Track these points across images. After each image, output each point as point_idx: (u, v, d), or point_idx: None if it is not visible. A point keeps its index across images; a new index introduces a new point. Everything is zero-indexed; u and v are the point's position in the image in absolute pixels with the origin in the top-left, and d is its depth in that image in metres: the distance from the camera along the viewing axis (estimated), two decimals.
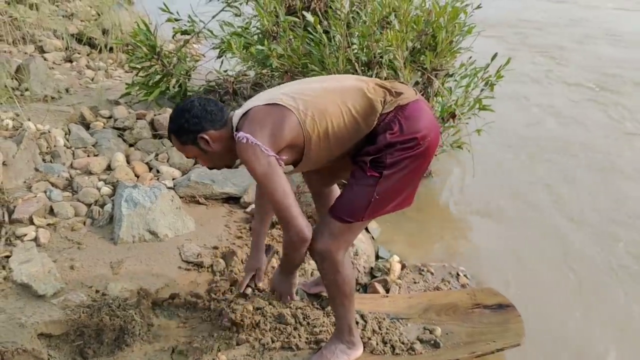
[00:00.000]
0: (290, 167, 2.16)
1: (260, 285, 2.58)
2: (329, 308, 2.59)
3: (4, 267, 2.62)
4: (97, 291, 2.59)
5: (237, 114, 2.07)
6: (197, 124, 2.02)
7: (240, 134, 1.94)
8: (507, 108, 5.51)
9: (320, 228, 2.11)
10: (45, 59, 5.64)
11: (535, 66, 7.14)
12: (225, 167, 2.24)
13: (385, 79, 3.71)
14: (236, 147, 1.98)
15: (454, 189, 4.28)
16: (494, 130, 4.26)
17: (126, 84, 4.83)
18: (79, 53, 6.15)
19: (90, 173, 3.49)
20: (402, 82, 2.20)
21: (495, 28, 8.17)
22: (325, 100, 2.01)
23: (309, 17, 3.75)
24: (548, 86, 6.54)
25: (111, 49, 6.22)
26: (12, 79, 4.65)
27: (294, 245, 2.06)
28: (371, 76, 3.75)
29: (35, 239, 2.86)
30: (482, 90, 4.00)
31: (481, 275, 3.23)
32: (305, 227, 2.00)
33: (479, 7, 3.83)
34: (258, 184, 2.12)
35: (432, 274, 3.16)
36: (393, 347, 2.41)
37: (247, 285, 2.58)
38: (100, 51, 6.20)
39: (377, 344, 2.43)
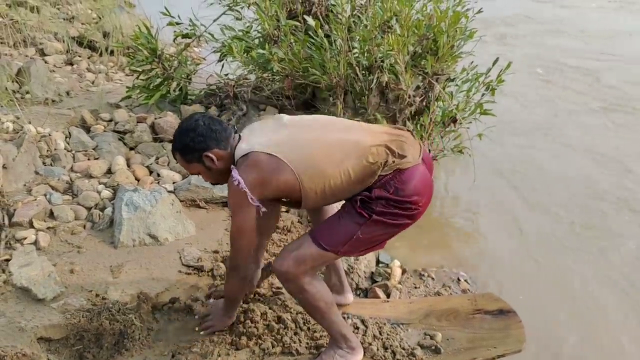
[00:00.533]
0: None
1: (249, 295, 2.64)
2: None
3: (3, 271, 2.60)
4: (97, 295, 2.58)
5: (240, 148, 2.07)
6: (202, 142, 2.07)
7: (235, 173, 2.00)
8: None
9: (290, 249, 2.13)
10: (46, 62, 5.64)
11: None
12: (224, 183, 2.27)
13: (386, 83, 3.71)
14: (228, 181, 2.05)
15: (456, 194, 4.27)
16: (495, 134, 4.25)
17: (127, 87, 4.82)
18: (79, 56, 6.14)
19: (90, 176, 3.48)
20: (411, 133, 2.19)
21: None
22: (325, 160, 2.03)
23: (310, 21, 3.76)
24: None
25: (112, 52, 6.22)
26: (12, 81, 4.65)
27: (230, 275, 2.28)
28: (372, 81, 3.76)
29: (35, 243, 2.85)
30: (483, 94, 4.00)
31: (482, 280, 3.22)
32: (246, 266, 2.25)
33: (480, 11, 3.84)
34: (231, 217, 2.18)
35: (432, 279, 3.15)
36: (394, 353, 2.41)
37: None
38: (101, 54, 6.20)
39: (377, 350, 2.42)
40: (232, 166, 2.05)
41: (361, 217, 2.06)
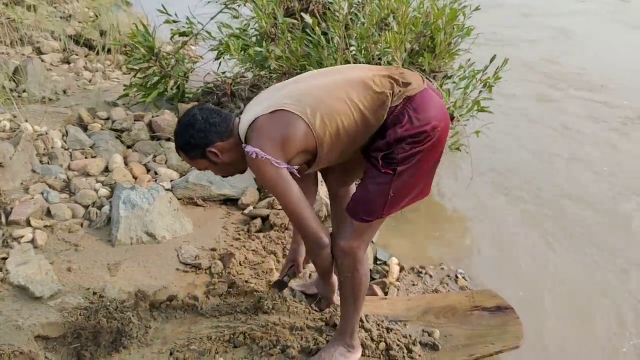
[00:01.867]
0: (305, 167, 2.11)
1: (299, 275, 2.68)
2: (327, 310, 2.59)
3: (0, 269, 2.60)
4: (94, 293, 2.58)
5: (243, 122, 1.99)
6: (204, 138, 2.00)
7: (249, 148, 1.89)
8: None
9: (343, 228, 2.09)
10: (42, 61, 5.64)
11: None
12: (239, 174, 2.20)
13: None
14: (248, 162, 1.95)
15: (453, 191, 4.27)
16: (493, 132, 4.25)
17: (124, 85, 4.82)
18: (76, 54, 6.14)
19: (87, 175, 3.48)
20: (409, 69, 2.12)
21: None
22: (331, 97, 1.92)
23: (308, 18, 3.76)
24: None
25: (109, 51, 6.21)
26: (9, 80, 4.64)
27: (313, 251, 2.08)
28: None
29: (32, 241, 2.85)
30: (480, 92, 4.00)
31: (480, 277, 3.22)
32: (322, 232, 2.01)
33: (477, 9, 3.84)
34: (274, 196, 2.05)
35: (430, 276, 3.15)
36: (391, 350, 2.40)
37: (286, 275, 2.64)
38: (97, 53, 6.19)
39: (375, 347, 2.42)
40: (244, 144, 1.94)
41: (387, 175, 1.95)
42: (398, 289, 3.00)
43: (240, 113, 4.36)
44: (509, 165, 4.70)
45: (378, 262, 3.23)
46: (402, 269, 3.18)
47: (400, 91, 1.93)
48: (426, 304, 2.77)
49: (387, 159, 1.95)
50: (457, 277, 3.16)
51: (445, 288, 3.06)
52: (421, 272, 3.17)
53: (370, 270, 3.13)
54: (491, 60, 3.80)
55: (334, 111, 1.91)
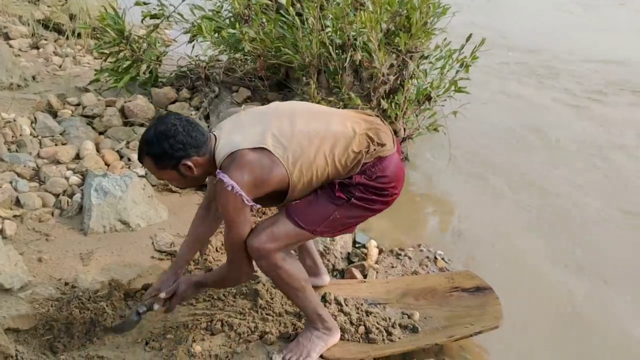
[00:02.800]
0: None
1: (156, 308, 2.25)
2: None
3: None
4: (66, 284, 2.51)
5: (222, 147, 1.97)
6: (182, 150, 1.95)
7: (226, 179, 1.87)
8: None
9: (263, 225, 2.06)
10: (10, 46, 5.48)
11: None
12: (195, 187, 2.17)
13: (360, 62, 3.66)
14: (218, 187, 1.91)
15: (431, 173, 4.26)
16: (470, 111, 4.23)
17: (95, 70, 4.70)
18: (45, 39, 5.97)
19: (58, 162, 3.38)
20: (382, 121, 2.21)
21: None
22: (314, 150, 1.99)
23: None
24: None
25: (79, 35, 6.05)
26: None
27: (236, 276, 2.17)
28: (345, 59, 3.70)
29: (1, 231, 2.76)
30: (457, 72, 3.97)
31: (459, 258, 3.22)
32: (251, 264, 2.12)
33: None
34: (225, 222, 2.04)
35: (409, 258, 3.13)
36: (371, 333, 2.39)
37: (143, 305, 2.28)
38: (67, 37, 6.03)
39: (355, 331, 2.40)
40: (219, 171, 1.93)
41: (339, 199, 2.06)
42: (377, 272, 2.97)
43: (216, 97, 4.32)
44: (489, 146, 4.70)
45: (357, 245, 3.20)
46: (381, 251, 3.16)
47: (374, 150, 2.06)
48: (405, 286, 2.75)
49: (344, 187, 2.07)
50: (436, 258, 3.15)
51: (424, 270, 3.05)
52: (400, 254, 3.15)
53: (349, 253, 3.12)
54: (467, 40, 3.77)
55: (313, 164, 1.99)
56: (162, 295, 2.25)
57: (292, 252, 2.22)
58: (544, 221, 3.63)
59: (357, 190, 2.06)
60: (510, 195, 3.94)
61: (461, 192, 3.99)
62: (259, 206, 2.05)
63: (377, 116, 2.23)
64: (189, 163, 1.98)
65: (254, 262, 2.11)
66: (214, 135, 2.05)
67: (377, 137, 2.09)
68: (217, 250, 2.89)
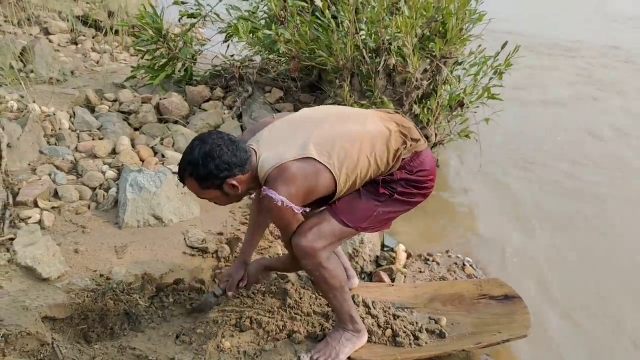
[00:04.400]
0: None
1: (230, 294, 2.44)
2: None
3: (8, 250, 2.59)
4: (101, 275, 2.57)
5: (267, 161, 1.97)
6: (227, 170, 1.96)
7: (275, 195, 1.90)
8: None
9: (309, 225, 2.08)
10: (50, 41, 5.62)
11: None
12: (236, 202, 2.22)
13: (394, 66, 3.67)
14: (266, 203, 1.93)
15: (461, 179, 4.25)
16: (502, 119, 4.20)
17: (132, 67, 4.79)
18: (84, 36, 6.11)
19: (95, 157, 3.46)
20: (409, 120, 2.32)
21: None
22: (356, 152, 2.03)
23: (318, 1, 3.71)
24: None
25: (117, 32, 6.17)
26: (17, 60, 4.62)
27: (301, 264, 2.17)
28: (379, 63, 3.71)
29: (40, 222, 2.84)
30: (491, 79, 3.95)
31: (488, 266, 3.20)
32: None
33: None
34: (279, 228, 2.12)
35: (438, 264, 3.13)
36: (398, 337, 2.40)
37: (213, 293, 2.49)
38: (106, 34, 6.16)
39: (382, 334, 2.42)
40: (265, 187, 1.94)
41: (383, 195, 2.14)
42: (405, 276, 2.98)
43: (249, 97, 4.36)
44: (521, 152, 4.66)
45: (385, 249, 3.21)
46: (409, 256, 3.17)
47: (411, 146, 2.14)
48: (433, 291, 2.76)
49: (387, 184, 2.16)
50: (464, 265, 3.14)
51: (452, 276, 3.05)
52: (429, 260, 3.15)
53: (378, 257, 3.13)
54: (503, 47, 3.75)
55: (357, 166, 2.05)
56: (236, 279, 2.41)
57: (335, 253, 2.24)
58: (581, 233, 3.58)
59: (400, 186, 2.15)
60: (545, 204, 3.90)
61: (492, 200, 3.97)
62: (308, 210, 2.06)
63: (398, 112, 2.30)
64: (234, 182, 1.98)
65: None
66: (254, 149, 2.05)
67: (409, 133, 2.17)
68: None
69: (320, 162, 1.97)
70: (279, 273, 2.79)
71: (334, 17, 3.86)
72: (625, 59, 7.86)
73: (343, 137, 2.04)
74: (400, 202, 2.17)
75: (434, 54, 3.73)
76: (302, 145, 1.98)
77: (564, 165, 4.52)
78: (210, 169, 1.95)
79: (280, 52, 4.08)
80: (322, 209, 2.18)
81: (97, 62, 5.45)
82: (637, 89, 6.49)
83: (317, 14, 3.95)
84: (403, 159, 2.12)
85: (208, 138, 1.99)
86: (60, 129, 3.64)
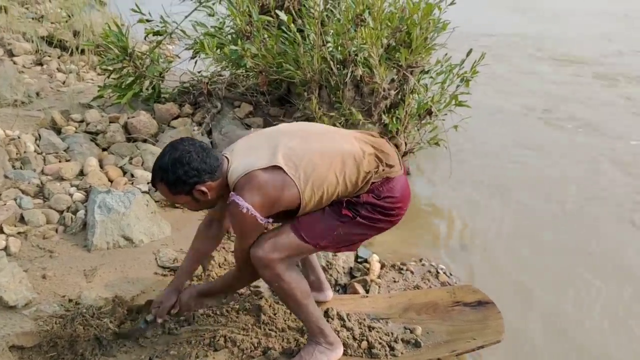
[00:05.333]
0: None
1: (159, 321, 2.39)
2: None
3: None
4: (70, 300, 2.52)
5: (236, 169, 2.01)
6: (196, 176, 1.99)
7: (241, 202, 1.92)
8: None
9: (268, 236, 2.10)
10: (14, 63, 5.53)
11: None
12: (210, 208, 2.24)
13: (361, 77, 3.69)
14: (231, 208, 1.96)
15: (432, 187, 4.28)
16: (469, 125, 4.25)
17: (98, 86, 4.74)
18: (49, 56, 6.03)
19: (62, 179, 3.41)
20: (388, 142, 2.28)
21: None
22: (325, 168, 2.03)
23: (282, 15, 3.71)
24: None
25: (83, 51, 6.10)
26: None
27: (246, 280, 2.29)
28: (347, 75, 3.73)
29: (6, 248, 2.78)
30: (457, 86, 4.00)
31: (461, 272, 3.22)
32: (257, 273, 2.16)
33: (452, 3, 3.82)
34: (237, 236, 2.11)
35: (411, 272, 3.14)
36: (374, 348, 2.39)
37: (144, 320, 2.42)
38: (71, 54, 6.08)
39: (357, 346, 2.41)
40: (232, 193, 1.97)
41: (345, 216, 2.11)
42: (379, 287, 2.98)
43: (218, 112, 4.35)
44: (489, 159, 4.71)
45: (359, 260, 3.20)
46: (383, 266, 3.17)
47: (383, 171, 2.12)
48: (407, 300, 2.76)
49: (351, 205, 2.12)
50: (438, 272, 3.15)
51: (426, 284, 3.06)
52: (402, 269, 3.15)
53: (351, 268, 3.12)
54: (467, 54, 3.80)
55: (324, 182, 2.03)
56: (166, 306, 2.34)
57: (296, 265, 2.24)
58: (551, 236, 3.62)
59: (364, 210, 2.11)
60: (515, 209, 3.94)
61: (463, 206, 3.99)
62: (272, 221, 2.08)
63: (382, 137, 2.27)
64: (203, 188, 2.01)
65: None
66: (226, 157, 2.09)
67: (385, 158, 2.15)
68: (220, 266, 2.90)
69: (286, 174, 1.97)
70: (251, 288, 2.77)
71: (301, 30, 3.87)
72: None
73: (314, 151, 2.05)
74: (363, 225, 2.13)
75: (400, 63, 3.77)
76: (271, 155, 2.00)
77: (540, 169, 4.57)
78: (178, 174, 1.98)
79: (248, 67, 4.07)
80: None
81: (63, 82, 5.38)
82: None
83: (283, 27, 3.96)
84: (372, 183, 2.10)
85: (179, 144, 2.03)
86: (25, 152, 3.58)
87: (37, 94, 4.83)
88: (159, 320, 2.38)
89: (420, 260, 3.28)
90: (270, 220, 2.06)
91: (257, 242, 2.07)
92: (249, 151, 2.06)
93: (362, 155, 2.09)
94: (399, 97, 3.95)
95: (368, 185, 2.10)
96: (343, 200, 2.11)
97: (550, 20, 10.74)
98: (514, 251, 3.45)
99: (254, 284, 2.77)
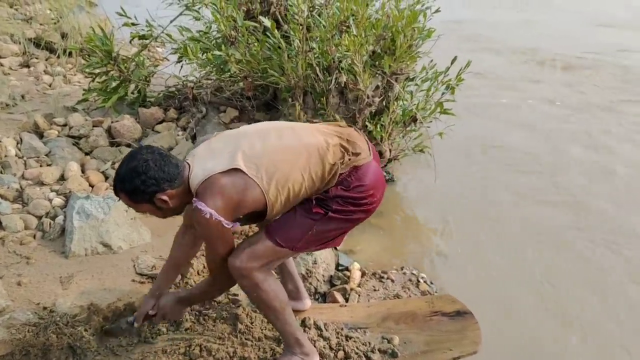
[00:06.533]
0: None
1: (136, 325, 2.40)
2: None
3: None
4: (44, 308, 2.50)
5: (196, 175, 1.97)
6: (155, 185, 1.95)
7: (204, 207, 1.88)
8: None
9: (243, 245, 2.08)
10: (1, 65, 5.50)
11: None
12: (176, 215, 2.20)
13: (345, 84, 3.68)
14: (195, 215, 1.92)
15: (417, 194, 4.27)
16: (455, 134, 4.25)
17: (83, 90, 4.71)
18: (36, 58, 6.00)
19: (42, 184, 3.38)
20: (357, 131, 2.23)
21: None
22: (288, 165, 1.99)
23: (266, 22, 3.71)
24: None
25: (70, 54, 6.07)
26: None
27: (221, 287, 2.24)
28: (331, 81, 3.72)
29: None
30: (443, 93, 4.00)
31: (442, 281, 3.21)
32: (232, 280, 2.14)
33: (437, 11, 3.83)
34: (205, 244, 2.10)
35: (392, 281, 3.13)
36: (350, 358, 2.38)
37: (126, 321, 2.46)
38: (59, 56, 6.05)
39: (334, 356, 2.40)
40: (195, 199, 1.92)
41: (316, 214, 2.07)
42: (359, 295, 2.97)
43: (203, 117, 4.33)
44: (473, 169, 4.71)
45: (340, 268, 3.19)
46: (363, 274, 3.16)
47: (349, 160, 2.07)
48: (386, 310, 2.75)
49: (321, 202, 2.08)
50: (419, 281, 3.14)
51: (406, 293, 3.04)
52: (383, 277, 3.14)
53: (332, 276, 3.11)
54: (452, 62, 3.80)
55: (288, 179, 1.99)
56: (143, 311, 2.34)
57: (274, 273, 2.22)
58: (533, 245, 3.61)
59: (335, 203, 2.06)
60: (497, 218, 3.94)
61: (446, 215, 3.97)
62: (239, 225, 2.07)
63: (350, 126, 2.23)
64: (164, 197, 1.98)
65: None
66: (188, 163, 2.05)
67: (351, 147, 2.09)
68: (198, 274, 2.88)
69: (247, 175, 1.94)
70: (229, 296, 2.75)
71: (286, 36, 3.86)
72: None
73: (275, 150, 2.01)
74: (337, 219, 2.08)
75: (384, 70, 3.76)
76: (230, 158, 1.96)
77: (524, 180, 4.57)
78: (135, 184, 1.95)
79: (232, 72, 4.05)
80: (258, 225, 2.17)
81: (50, 85, 5.35)
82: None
83: (268, 33, 3.95)
84: (340, 174, 2.05)
85: (137, 153, 2.00)
86: (6, 156, 3.55)
87: (23, 96, 4.81)
88: (136, 325, 2.38)
89: (402, 269, 3.27)
90: (238, 224, 2.04)
91: (234, 252, 2.05)
92: (209, 155, 2.02)
93: (325, 148, 2.05)
94: (384, 104, 3.95)
95: (336, 177, 2.04)
96: (312, 198, 2.07)
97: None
98: (497, 261, 3.44)
99: (232, 291, 2.76)
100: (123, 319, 2.49)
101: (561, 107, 6.20)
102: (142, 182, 1.94)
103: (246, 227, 3.17)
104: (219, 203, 1.89)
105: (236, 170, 1.94)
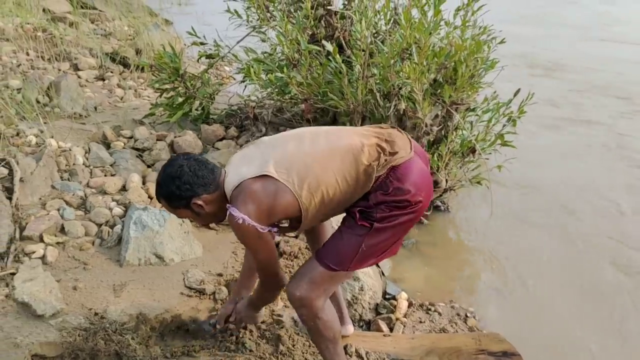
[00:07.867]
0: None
1: (218, 327, 2.56)
2: None
3: (7, 285, 2.64)
4: (96, 314, 2.58)
5: (230, 181, 2.01)
6: (189, 190, 2.00)
7: (236, 212, 1.90)
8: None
9: (301, 273, 2.08)
10: (79, 77, 5.79)
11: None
12: (219, 222, 2.24)
13: (404, 111, 3.67)
14: (230, 221, 1.96)
15: (471, 226, 4.17)
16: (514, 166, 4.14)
17: (150, 104, 4.90)
18: (111, 72, 6.28)
19: (104, 193, 3.52)
20: (400, 131, 2.14)
21: None
22: (319, 168, 1.97)
23: (328, 46, 3.75)
24: None
25: (142, 69, 6.33)
26: (43, 95, 4.77)
27: (272, 291, 2.26)
28: (389, 108, 3.72)
29: (43, 257, 2.88)
30: (504, 125, 3.92)
31: (491, 319, 3.11)
32: (283, 277, 2.18)
33: (502, 41, 3.77)
34: (248, 251, 2.17)
35: (439, 314, 3.06)
36: None
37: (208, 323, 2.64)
38: (132, 71, 6.32)
39: None
40: (228, 204, 1.96)
41: (363, 228, 2.00)
42: (404, 326, 2.92)
43: (262, 136, 4.40)
44: (533, 201, 4.57)
45: (387, 297, 3.15)
46: (410, 304, 3.11)
47: (385, 160, 1.98)
48: (431, 343, 2.69)
49: (364, 214, 2.00)
50: (467, 316, 3.06)
51: (453, 328, 2.97)
52: (430, 309, 3.08)
53: (377, 304, 3.07)
54: (515, 94, 3.72)
55: (321, 182, 1.96)
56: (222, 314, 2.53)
57: (330, 302, 2.20)
58: (590, 287, 3.46)
59: (378, 211, 1.98)
60: (556, 256, 3.78)
61: (502, 249, 3.86)
62: (276, 230, 2.06)
63: (394, 127, 2.17)
64: (199, 202, 2.02)
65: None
66: (224, 169, 2.09)
67: (389, 146, 2.02)
68: None
69: (278, 180, 1.94)
70: (273, 317, 2.76)
71: (348, 61, 3.90)
72: None
73: (308, 153, 2.00)
74: (385, 229, 1.99)
75: (445, 99, 3.73)
76: (262, 164, 1.97)
77: (585, 216, 4.39)
78: (171, 189, 2.01)
79: (292, 94, 4.12)
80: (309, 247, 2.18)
81: (121, 98, 5.58)
82: None
83: (331, 57, 3.99)
84: (378, 177, 1.97)
85: (175, 160, 2.07)
86: (74, 164, 3.72)
87: (95, 108, 5.04)
88: (218, 327, 2.54)
89: (450, 302, 3.20)
90: (275, 229, 2.04)
91: (294, 281, 2.06)
92: (243, 161, 2.04)
93: (360, 148, 1.99)
94: (442, 133, 3.91)
95: (372, 179, 1.97)
96: (355, 211, 2.01)
97: None
98: (552, 302, 3.30)
99: (277, 311, 2.78)
100: (205, 320, 2.65)
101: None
102: (177, 187, 1.99)
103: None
104: (250, 208, 1.91)
105: (266, 176, 1.95)
